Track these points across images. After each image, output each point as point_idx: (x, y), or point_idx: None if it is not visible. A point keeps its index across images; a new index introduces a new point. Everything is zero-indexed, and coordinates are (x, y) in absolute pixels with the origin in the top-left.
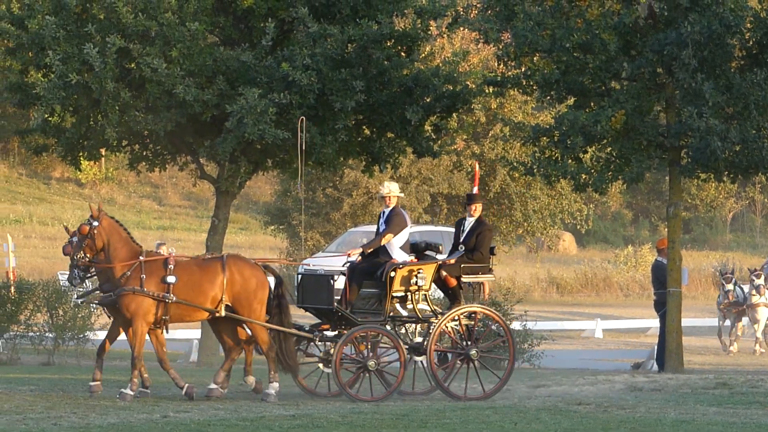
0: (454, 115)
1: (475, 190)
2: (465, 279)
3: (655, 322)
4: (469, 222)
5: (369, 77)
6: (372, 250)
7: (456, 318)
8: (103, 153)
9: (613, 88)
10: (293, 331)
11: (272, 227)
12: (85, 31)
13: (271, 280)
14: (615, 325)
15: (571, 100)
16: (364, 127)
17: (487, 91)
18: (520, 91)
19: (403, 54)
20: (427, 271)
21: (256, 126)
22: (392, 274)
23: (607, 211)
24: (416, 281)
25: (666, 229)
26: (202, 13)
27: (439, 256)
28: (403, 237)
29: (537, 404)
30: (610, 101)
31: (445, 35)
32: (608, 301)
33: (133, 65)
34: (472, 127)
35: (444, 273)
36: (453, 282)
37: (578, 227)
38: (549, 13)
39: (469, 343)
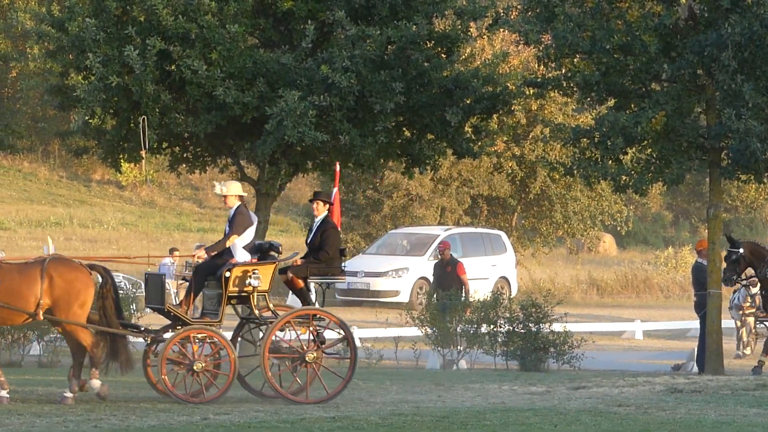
0: (494, 116)
1: (335, 190)
2: (312, 279)
3: (695, 324)
4: (316, 222)
5: (408, 79)
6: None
7: (298, 319)
8: (144, 155)
9: (654, 89)
10: (117, 330)
11: None
12: (125, 34)
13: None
14: (655, 326)
15: (611, 102)
16: (403, 128)
17: (527, 92)
18: (561, 92)
19: (442, 55)
20: (264, 271)
21: (296, 128)
22: (227, 274)
23: (647, 212)
24: (251, 282)
25: (706, 231)
26: (242, 15)
27: (300, 257)
28: (248, 236)
29: (577, 406)
30: (651, 102)
31: (485, 36)
32: (648, 302)
33: (173, 67)
34: (512, 128)
35: (290, 274)
36: (300, 283)
37: (618, 229)
38: (589, 15)
39: (308, 346)
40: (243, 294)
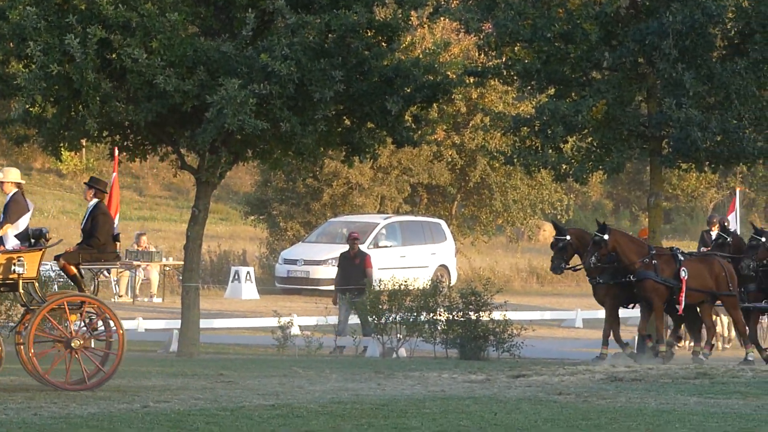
0: (435, 105)
1: (114, 176)
2: (84, 266)
3: (635, 313)
4: (88, 207)
5: (348, 67)
6: None
7: (70, 306)
8: (84, 143)
9: (594, 78)
10: None
11: (252, 217)
12: (66, 22)
13: None
14: (595, 315)
15: (551, 90)
16: (344, 117)
17: (467, 81)
18: (501, 81)
19: (383, 44)
20: (29, 258)
21: (236, 116)
22: None
23: (588, 201)
24: (15, 269)
25: (647, 219)
26: (182, 4)
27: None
28: (22, 224)
29: (517, 394)
30: (591, 91)
31: (425, 25)
32: (588, 291)
33: (113, 56)
34: (453, 117)
35: (62, 261)
36: (71, 270)
37: (558, 217)
38: (530, 3)
39: (76, 333)
40: (9, 281)
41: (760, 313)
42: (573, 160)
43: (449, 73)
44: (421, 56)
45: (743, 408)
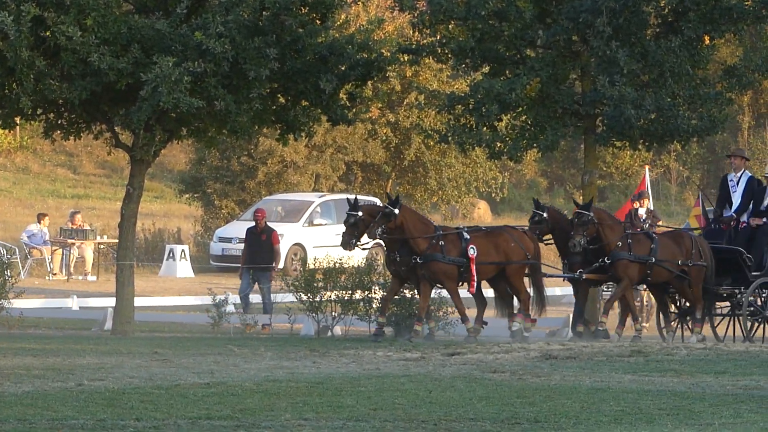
0: (369, 83)
1: None
2: None
3: (569, 290)
4: None
5: (283, 45)
6: None
7: None
8: (18, 121)
9: (529, 56)
10: None
11: (187, 196)
12: None
13: None
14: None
15: (486, 68)
16: (278, 95)
17: (402, 59)
18: (435, 59)
19: (317, 21)
20: None
21: (171, 95)
22: None
23: (522, 179)
24: None
25: (581, 197)
26: None
27: None
28: None
29: (452, 372)
30: (525, 69)
31: (360, 3)
32: None
33: (47, 33)
34: (387, 95)
35: None
36: None
37: (493, 195)
38: None
39: None
40: None
41: (593, 285)
42: (507, 138)
43: (383, 50)
44: (355, 34)
45: (678, 386)
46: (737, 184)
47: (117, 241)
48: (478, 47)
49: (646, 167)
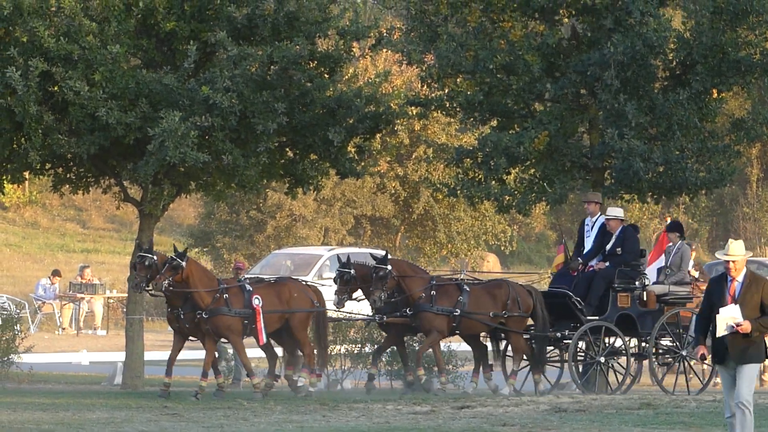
0: (378, 136)
1: None
2: None
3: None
4: None
5: (291, 99)
6: None
7: None
8: (27, 176)
9: (537, 109)
10: None
11: (196, 250)
12: (7, 55)
13: None
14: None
15: (494, 122)
16: (286, 148)
17: (410, 112)
18: (443, 112)
19: (325, 75)
20: None
21: (178, 149)
22: None
23: (531, 232)
24: None
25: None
26: (124, 36)
27: None
28: None
29: (461, 425)
30: (534, 122)
31: (368, 56)
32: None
33: (56, 88)
34: (396, 148)
35: None
36: None
37: (502, 248)
38: (472, 35)
39: None
40: None
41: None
42: (516, 192)
43: (392, 104)
44: (363, 87)
45: None
46: (591, 228)
47: (126, 295)
48: (486, 101)
49: (667, 218)
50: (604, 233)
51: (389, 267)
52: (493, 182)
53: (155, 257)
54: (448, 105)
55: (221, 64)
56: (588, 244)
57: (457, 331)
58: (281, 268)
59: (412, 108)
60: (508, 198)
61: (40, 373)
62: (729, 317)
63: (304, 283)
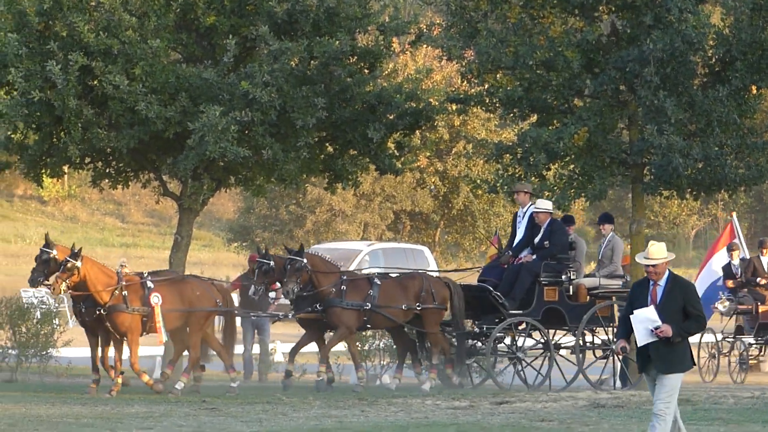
0: (417, 132)
1: None
2: None
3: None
4: None
5: (331, 94)
6: None
7: None
8: (66, 170)
9: (576, 105)
10: None
11: (235, 244)
12: (47, 49)
13: None
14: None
15: (534, 118)
16: (326, 144)
17: (450, 108)
18: (483, 108)
19: (365, 71)
20: None
21: (218, 144)
22: None
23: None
24: None
25: (629, 246)
26: (164, 30)
27: None
28: None
29: (500, 421)
30: (573, 118)
31: (408, 52)
32: None
33: (95, 82)
34: (435, 144)
35: None
36: None
37: None
38: (512, 31)
39: None
40: None
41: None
42: (555, 187)
43: (431, 100)
44: (403, 83)
45: None
46: (522, 219)
47: None
48: (526, 97)
49: (733, 214)
50: (534, 225)
51: (305, 260)
52: (533, 178)
53: (54, 252)
54: (487, 101)
55: (261, 58)
56: (518, 235)
57: (368, 326)
58: None
59: (452, 104)
60: (547, 194)
61: (79, 368)
62: (645, 319)
63: (210, 282)
